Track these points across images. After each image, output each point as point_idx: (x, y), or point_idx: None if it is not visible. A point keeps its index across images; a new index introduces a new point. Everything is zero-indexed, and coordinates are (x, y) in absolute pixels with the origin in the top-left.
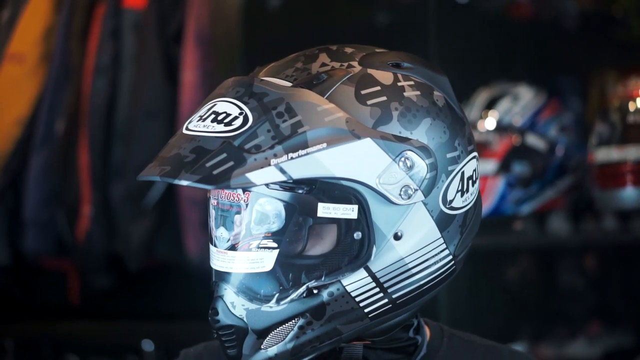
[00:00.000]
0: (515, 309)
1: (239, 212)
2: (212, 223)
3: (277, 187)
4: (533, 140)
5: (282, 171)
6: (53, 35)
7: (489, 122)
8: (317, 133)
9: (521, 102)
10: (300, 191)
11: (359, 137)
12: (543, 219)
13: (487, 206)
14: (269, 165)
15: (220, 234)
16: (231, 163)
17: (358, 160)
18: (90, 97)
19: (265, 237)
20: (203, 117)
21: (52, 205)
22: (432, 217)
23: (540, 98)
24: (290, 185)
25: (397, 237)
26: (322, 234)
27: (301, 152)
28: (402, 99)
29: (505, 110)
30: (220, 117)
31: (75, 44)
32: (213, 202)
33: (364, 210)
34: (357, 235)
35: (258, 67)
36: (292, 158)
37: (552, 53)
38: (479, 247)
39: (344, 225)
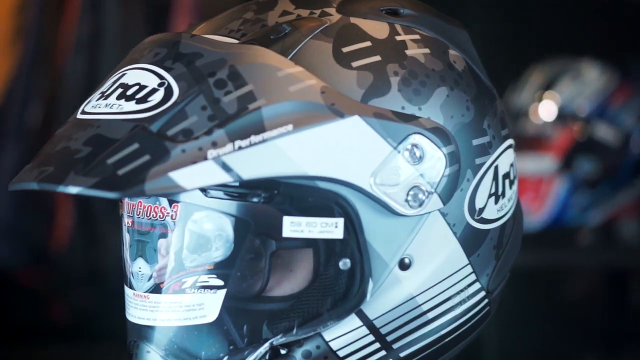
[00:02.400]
0: (579, 336)
1: (164, 235)
2: (126, 254)
3: (219, 193)
4: (603, 131)
5: (226, 168)
6: (25, 9)
7: (546, 109)
8: (278, 109)
9: (586, 83)
10: (255, 199)
11: (341, 115)
12: (613, 230)
13: (543, 215)
14: (205, 159)
15: (137, 269)
16: (146, 157)
17: (342, 149)
18: (67, 79)
19: (206, 272)
20: (106, 94)
21: (26, 209)
22: (455, 234)
23: (610, 79)
24: (240, 190)
25: (404, 266)
26: (291, 264)
27: (254, 138)
28: (403, 59)
29: (566, 94)
30: (130, 92)
31: (51, 17)
32: (127, 221)
33: (352, 225)
34: (345, 264)
35: (191, 23)
36: (240, 148)
37: (624, 28)
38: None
39: (323, 250)
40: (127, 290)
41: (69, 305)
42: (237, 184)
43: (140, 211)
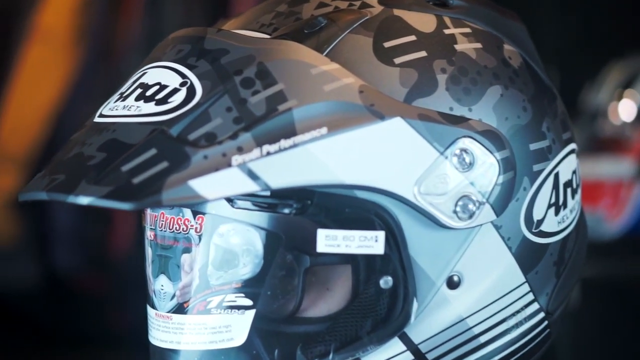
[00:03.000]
0: None
1: (187, 250)
2: (149, 270)
3: (247, 204)
4: None
5: (252, 175)
6: (88, 8)
7: (626, 109)
8: (311, 111)
9: None
10: (286, 210)
11: (382, 117)
12: None
13: (622, 222)
14: (229, 165)
15: (159, 286)
16: (164, 164)
17: (382, 154)
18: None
19: (233, 290)
20: (124, 95)
21: (86, 216)
22: (510, 248)
23: None
24: (270, 201)
25: (452, 284)
26: (327, 281)
27: (284, 142)
28: (452, 54)
29: None
30: (150, 92)
31: (112, 16)
32: (149, 234)
33: (394, 239)
34: (386, 282)
35: (222, 19)
36: (268, 153)
37: None
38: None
39: (363, 266)
40: (149, 310)
41: (127, 312)
42: (266, 193)
43: (162, 223)
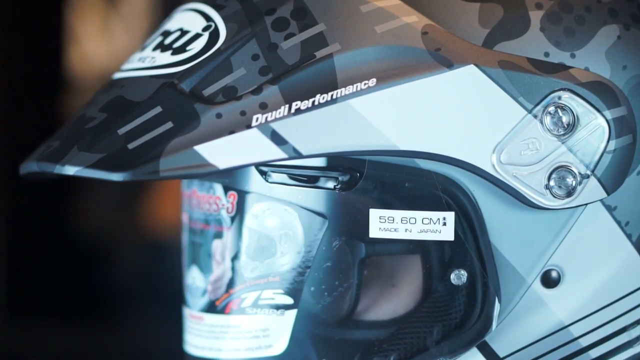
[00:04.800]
0: None
1: (219, 235)
2: (183, 261)
3: (282, 177)
4: None
5: (277, 139)
6: None
7: None
8: (357, 58)
9: None
10: (330, 185)
11: (450, 65)
12: None
13: None
14: (248, 127)
15: (192, 279)
16: (168, 125)
17: (449, 113)
18: None
19: (271, 285)
20: (145, 46)
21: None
22: (630, 236)
23: None
24: (309, 173)
25: (549, 281)
26: (392, 276)
27: (320, 97)
28: None
29: None
30: (169, 40)
31: None
32: (184, 218)
33: (469, 223)
34: (459, 277)
35: None
36: (298, 111)
37: None
38: None
39: (431, 257)
40: (183, 310)
41: None
42: (302, 163)
43: (194, 202)
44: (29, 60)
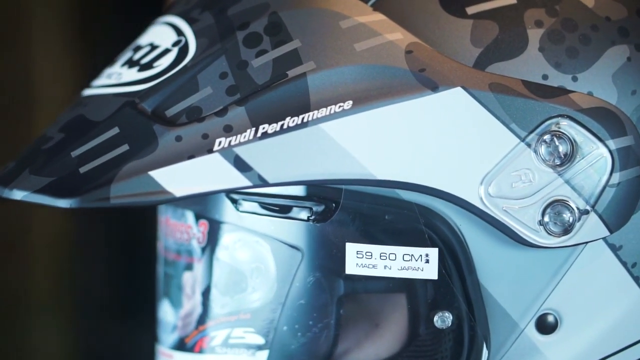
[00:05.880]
0: None
1: (189, 267)
2: (158, 291)
3: (252, 205)
4: None
5: (241, 165)
6: None
7: None
8: (333, 78)
9: None
10: (303, 216)
11: (434, 87)
12: None
13: None
14: (209, 151)
15: (163, 313)
16: (124, 148)
17: (432, 140)
18: None
19: (242, 323)
20: (116, 61)
21: None
22: (636, 278)
23: None
24: (281, 202)
25: (544, 326)
26: (376, 315)
27: (290, 120)
28: (556, 1)
29: None
30: (138, 56)
31: None
32: (159, 246)
33: (455, 260)
34: (443, 319)
35: None
36: (265, 134)
37: None
38: None
39: (413, 298)
40: (155, 346)
41: None
42: (269, 191)
43: (167, 230)
44: None
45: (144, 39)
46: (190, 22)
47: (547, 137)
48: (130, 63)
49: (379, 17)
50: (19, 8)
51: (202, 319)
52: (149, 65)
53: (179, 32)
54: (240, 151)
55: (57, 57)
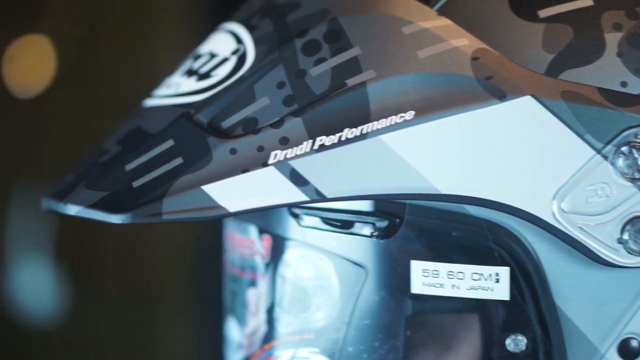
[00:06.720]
0: None
1: (253, 283)
2: (225, 307)
3: (314, 220)
4: None
5: (298, 179)
6: None
7: None
8: (394, 87)
9: None
10: (365, 232)
11: (502, 96)
12: None
13: None
14: (264, 164)
15: (229, 331)
16: (178, 161)
17: (500, 152)
18: None
19: (306, 343)
20: (177, 70)
21: None
22: None
23: None
24: (342, 217)
25: (628, 352)
26: (450, 336)
27: (348, 132)
28: (634, 3)
29: None
30: (197, 65)
31: None
32: (224, 259)
33: (528, 280)
34: (516, 343)
35: None
36: (323, 147)
37: None
38: None
39: (483, 319)
40: None
41: None
42: (327, 205)
43: (231, 245)
44: None
45: (204, 48)
46: (251, 29)
47: (625, 148)
48: (190, 72)
49: (445, 22)
50: (145, 8)
51: (267, 338)
52: (207, 75)
53: (238, 40)
54: (296, 164)
55: (176, 51)
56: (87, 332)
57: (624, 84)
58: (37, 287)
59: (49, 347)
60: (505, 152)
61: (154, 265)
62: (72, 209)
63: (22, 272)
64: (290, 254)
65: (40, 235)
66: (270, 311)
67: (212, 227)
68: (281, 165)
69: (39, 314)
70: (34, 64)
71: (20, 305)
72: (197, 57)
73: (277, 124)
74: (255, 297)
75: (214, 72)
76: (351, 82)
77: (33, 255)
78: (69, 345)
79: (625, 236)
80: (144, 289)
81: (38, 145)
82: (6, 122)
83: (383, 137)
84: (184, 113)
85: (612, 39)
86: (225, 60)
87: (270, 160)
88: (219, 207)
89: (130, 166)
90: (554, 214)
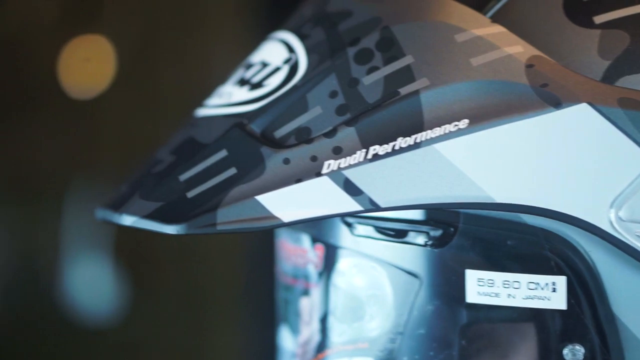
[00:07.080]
0: None
1: (307, 292)
2: (277, 316)
3: (367, 229)
4: None
5: (351, 189)
6: None
7: None
8: (448, 95)
9: None
10: (420, 241)
11: (557, 103)
12: None
13: None
14: (317, 174)
15: (282, 340)
16: (232, 171)
17: (555, 160)
18: None
19: (361, 352)
20: (228, 80)
21: None
22: None
23: None
24: (396, 226)
25: None
26: (506, 347)
27: (402, 141)
28: None
29: None
30: (249, 74)
31: None
32: (276, 268)
33: (585, 290)
34: (574, 353)
35: None
36: (376, 156)
37: None
38: None
39: (540, 329)
40: None
41: None
42: (380, 214)
43: (283, 254)
44: None
45: (256, 57)
46: (302, 38)
47: None
48: (242, 82)
49: (498, 29)
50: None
51: (320, 347)
52: (259, 84)
53: (290, 49)
54: (350, 174)
55: (233, 54)
56: (142, 332)
57: None
58: (95, 287)
59: (104, 347)
60: (561, 160)
61: (210, 267)
62: (127, 220)
63: (79, 272)
64: (344, 263)
65: (98, 235)
66: (323, 320)
67: (265, 233)
68: (335, 175)
69: (96, 313)
70: (93, 65)
71: (77, 305)
72: (249, 66)
73: (330, 134)
74: (309, 306)
75: (266, 82)
76: (404, 90)
77: (91, 255)
78: (124, 344)
79: None
80: (199, 289)
81: (96, 144)
82: (65, 122)
83: (437, 146)
84: (236, 123)
85: None
86: (277, 69)
87: (324, 170)
88: (273, 217)
89: (184, 176)
90: (611, 223)
